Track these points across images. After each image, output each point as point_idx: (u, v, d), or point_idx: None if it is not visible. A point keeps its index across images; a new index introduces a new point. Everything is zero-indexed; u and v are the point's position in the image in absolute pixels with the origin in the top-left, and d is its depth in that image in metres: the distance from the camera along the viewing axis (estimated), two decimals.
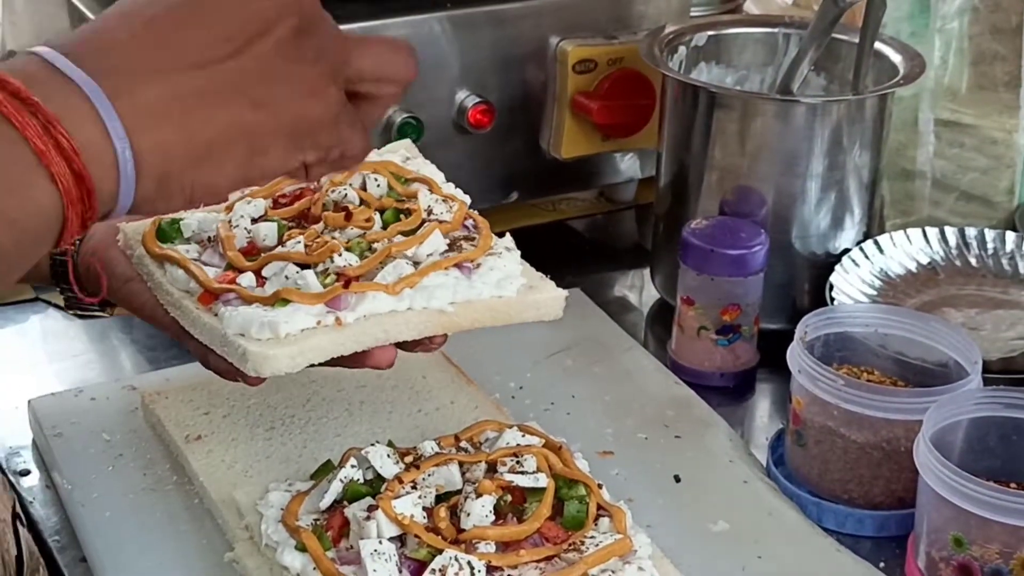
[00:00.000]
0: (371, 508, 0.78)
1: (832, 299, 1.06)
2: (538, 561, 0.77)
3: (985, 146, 1.21)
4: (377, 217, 0.86)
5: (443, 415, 0.96)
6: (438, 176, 0.93)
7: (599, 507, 0.81)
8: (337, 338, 0.78)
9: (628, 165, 1.25)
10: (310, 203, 0.87)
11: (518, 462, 0.82)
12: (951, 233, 1.14)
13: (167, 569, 0.84)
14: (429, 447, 0.84)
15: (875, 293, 1.09)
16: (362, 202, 0.87)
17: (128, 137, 0.59)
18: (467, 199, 0.91)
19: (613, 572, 0.77)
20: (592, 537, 0.79)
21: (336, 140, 0.65)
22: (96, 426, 0.96)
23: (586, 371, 1.05)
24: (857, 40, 1.09)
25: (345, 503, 0.80)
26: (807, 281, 1.10)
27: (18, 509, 0.88)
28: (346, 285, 0.78)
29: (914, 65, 1.10)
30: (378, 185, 0.88)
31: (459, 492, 0.81)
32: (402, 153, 0.96)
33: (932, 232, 1.14)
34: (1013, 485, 0.85)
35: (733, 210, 1.08)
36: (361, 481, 0.81)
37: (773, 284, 1.06)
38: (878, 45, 1.11)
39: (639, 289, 1.22)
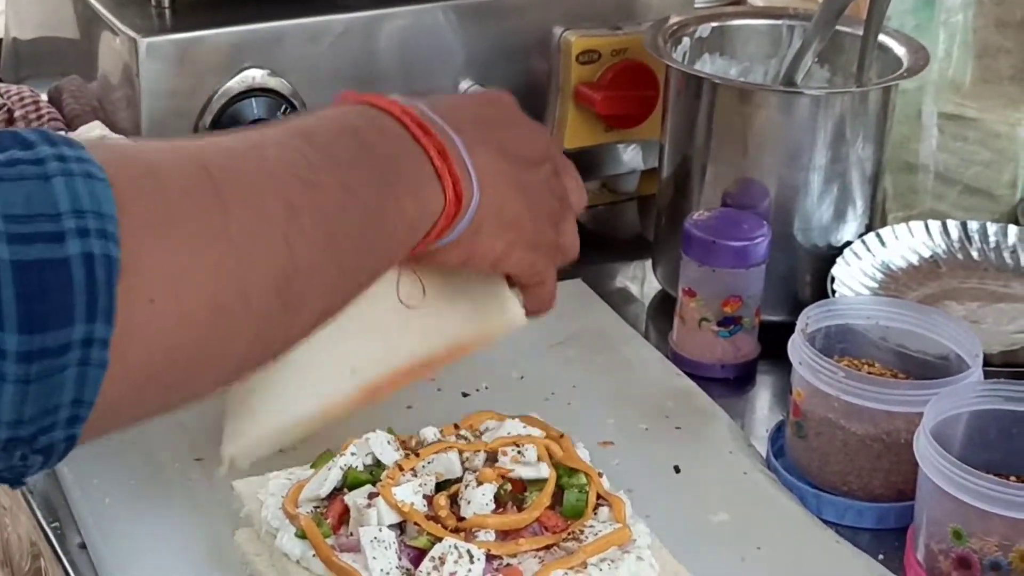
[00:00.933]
0: (371, 495, 0.78)
1: (834, 291, 1.06)
2: (537, 550, 0.77)
3: (988, 140, 1.20)
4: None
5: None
6: None
7: (599, 496, 0.81)
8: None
9: (631, 156, 1.25)
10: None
11: (519, 451, 0.82)
12: (953, 226, 1.14)
13: (167, 555, 0.84)
14: (430, 434, 0.84)
15: (877, 286, 1.09)
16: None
17: (477, 186, 0.75)
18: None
19: (612, 561, 0.77)
20: (591, 526, 0.79)
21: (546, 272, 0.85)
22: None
23: (587, 362, 1.05)
24: (861, 32, 1.09)
25: (345, 490, 0.80)
26: (809, 273, 1.10)
27: (19, 495, 0.88)
28: None
29: (918, 58, 1.10)
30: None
31: (459, 480, 0.81)
32: None
33: (934, 225, 1.14)
34: (1013, 478, 0.85)
35: (735, 202, 1.08)
36: (361, 468, 0.81)
37: (775, 276, 1.06)
38: (882, 37, 1.11)
39: (641, 280, 1.22)
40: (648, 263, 1.20)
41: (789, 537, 0.88)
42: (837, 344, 0.95)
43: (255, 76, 1.05)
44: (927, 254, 1.13)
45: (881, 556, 0.87)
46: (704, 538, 0.87)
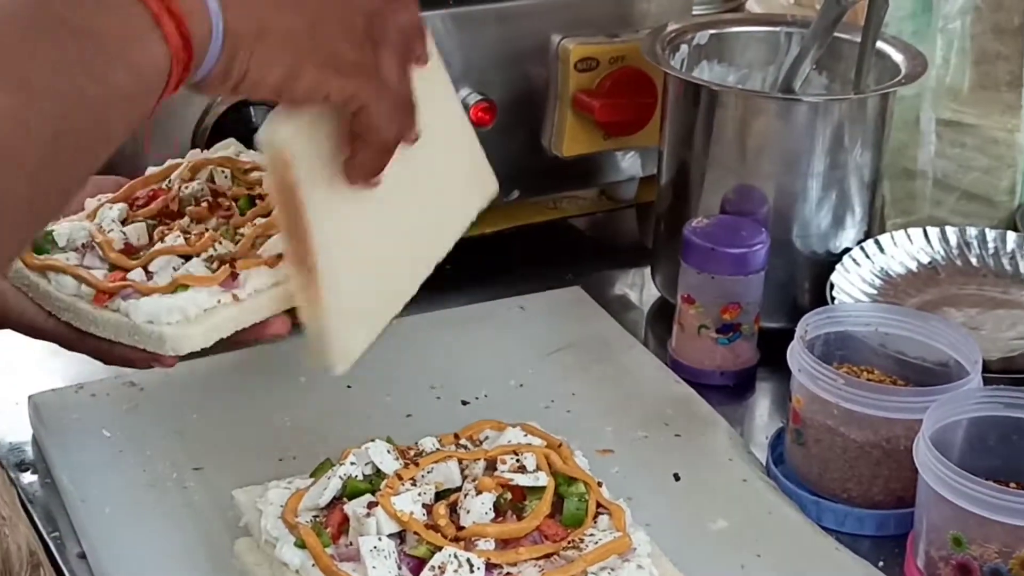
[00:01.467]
0: (371, 505, 0.78)
1: (833, 298, 1.06)
2: (537, 559, 0.77)
3: (987, 146, 1.21)
4: (233, 205, 0.91)
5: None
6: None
7: (598, 505, 0.81)
8: (237, 313, 0.84)
9: (629, 163, 1.25)
10: (167, 202, 0.91)
11: (518, 460, 0.82)
12: (952, 233, 1.14)
13: (166, 564, 0.84)
14: (429, 444, 0.84)
15: (875, 292, 1.09)
16: (215, 195, 0.92)
17: (221, 11, 0.67)
18: None
19: (612, 570, 0.77)
20: (591, 535, 0.79)
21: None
22: (96, 422, 0.96)
23: (586, 369, 1.05)
24: (859, 39, 1.09)
25: (345, 500, 0.80)
26: (808, 280, 1.10)
27: (18, 505, 0.88)
28: (232, 267, 0.85)
29: (916, 64, 1.10)
30: (225, 177, 0.93)
31: (458, 489, 0.81)
32: (233, 149, 0.98)
33: (933, 232, 1.14)
34: (1013, 485, 0.85)
35: (734, 209, 1.08)
36: (360, 478, 0.81)
37: (774, 283, 1.06)
38: (880, 44, 1.11)
39: (640, 287, 1.22)
40: (647, 270, 1.20)
41: (789, 544, 0.88)
42: (836, 351, 0.95)
43: None
44: (926, 260, 1.13)
45: (881, 563, 0.87)
46: (704, 546, 0.87)
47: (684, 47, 1.16)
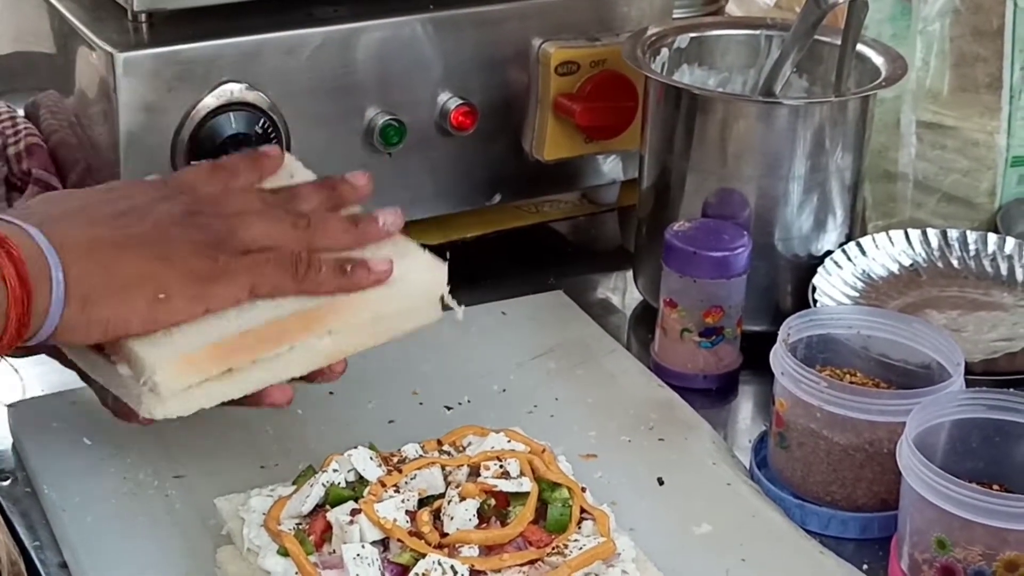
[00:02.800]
0: (354, 512, 0.78)
1: (815, 301, 1.06)
2: (521, 565, 0.77)
3: (967, 148, 1.21)
4: None
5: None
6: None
7: (582, 510, 0.81)
8: (227, 387, 0.83)
9: (611, 167, 1.25)
10: None
11: (501, 466, 0.82)
12: (933, 235, 1.14)
13: (148, 573, 0.84)
14: (412, 450, 0.84)
15: (858, 295, 1.09)
16: None
17: (60, 262, 0.76)
18: None
19: (597, 575, 0.77)
20: (575, 540, 0.79)
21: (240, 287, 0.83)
22: (77, 430, 0.95)
23: (569, 373, 1.05)
24: (839, 42, 1.09)
25: (327, 507, 0.79)
26: (790, 283, 1.10)
27: None
28: None
29: (896, 67, 1.10)
30: None
31: (442, 496, 0.80)
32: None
33: (914, 234, 1.14)
34: (996, 487, 0.85)
35: (716, 212, 1.08)
36: (343, 485, 0.81)
37: (756, 286, 1.06)
38: (860, 47, 1.11)
39: (622, 291, 1.22)
40: (629, 274, 1.20)
41: (773, 548, 0.88)
42: (819, 354, 0.95)
43: (233, 90, 1.05)
44: (907, 263, 1.13)
45: (865, 566, 0.87)
46: (688, 550, 0.87)
47: (665, 51, 1.16)
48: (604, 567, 0.78)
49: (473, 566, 0.76)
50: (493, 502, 0.80)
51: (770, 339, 0.93)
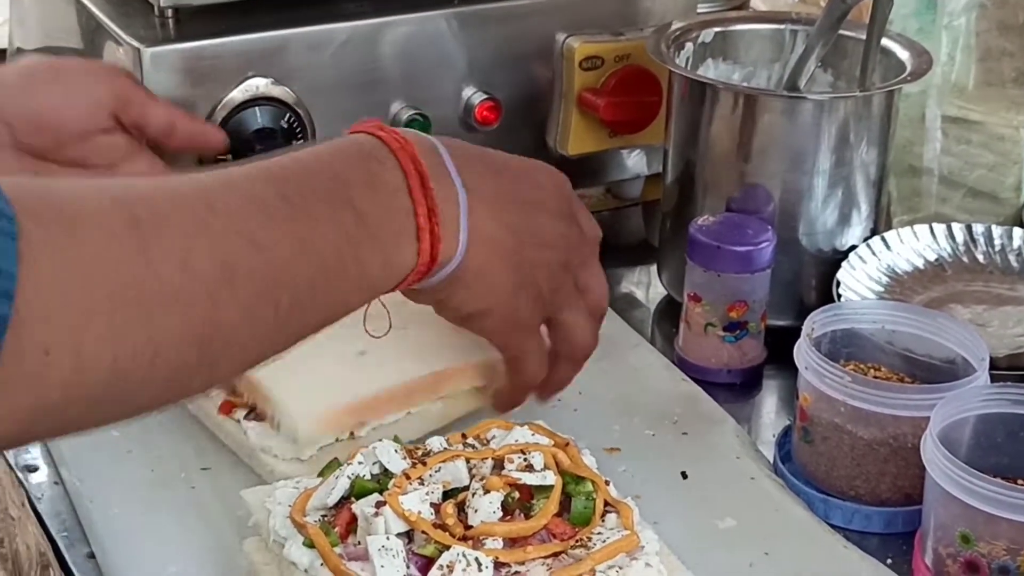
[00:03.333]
0: (378, 504, 0.78)
1: (839, 296, 1.06)
2: (545, 557, 0.77)
3: (992, 142, 1.20)
4: None
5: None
6: None
7: (606, 503, 0.81)
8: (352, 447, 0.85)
9: (635, 161, 1.25)
10: None
11: (525, 459, 0.82)
12: (958, 229, 1.14)
13: (176, 564, 0.84)
14: (436, 443, 0.84)
15: (882, 290, 1.09)
16: None
17: (466, 248, 0.76)
18: None
19: (620, 568, 0.77)
20: (599, 533, 0.79)
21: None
22: None
23: (593, 368, 1.04)
24: (864, 36, 1.09)
25: (352, 499, 0.80)
26: (814, 278, 1.10)
27: (27, 505, 0.88)
28: None
29: (921, 61, 1.10)
30: None
31: (466, 488, 0.81)
32: None
33: (939, 228, 1.14)
34: (1020, 482, 0.85)
35: (740, 207, 1.08)
36: (368, 477, 0.81)
37: (780, 281, 1.06)
38: (885, 41, 1.11)
39: (646, 286, 1.22)
40: (653, 268, 1.20)
41: (797, 542, 0.88)
42: (843, 348, 0.95)
43: (259, 85, 1.05)
44: (932, 257, 1.13)
45: (889, 560, 0.87)
46: (712, 544, 0.87)
47: (689, 45, 1.16)
48: (628, 560, 0.78)
49: (497, 558, 0.76)
50: (517, 495, 0.80)
51: (794, 334, 0.93)
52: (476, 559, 0.75)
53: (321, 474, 0.84)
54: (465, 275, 0.77)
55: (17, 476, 0.92)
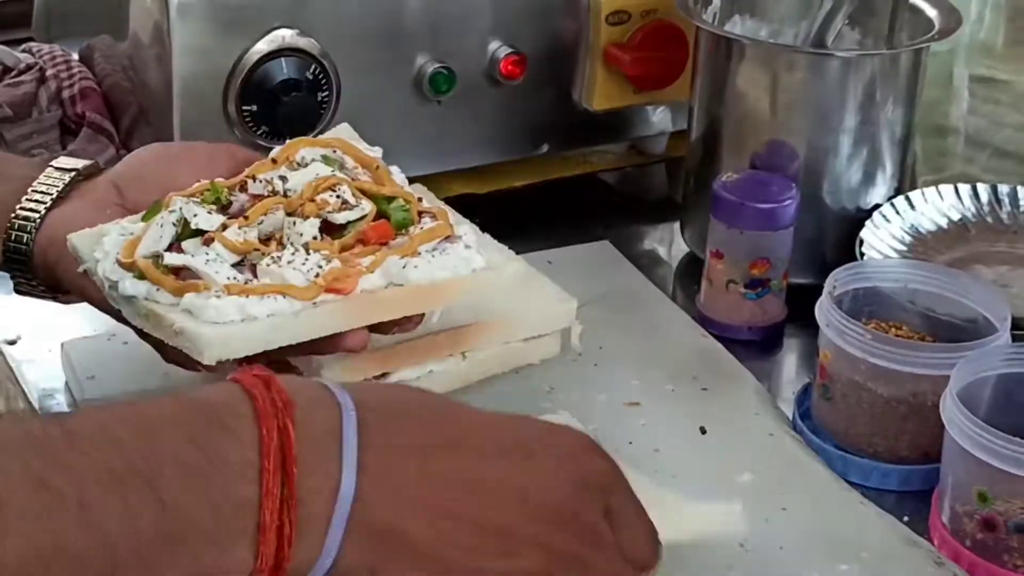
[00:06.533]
0: (206, 241, 0.80)
1: (862, 254, 1.05)
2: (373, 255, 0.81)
3: (1020, 103, 1.20)
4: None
5: None
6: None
7: (423, 213, 0.85)
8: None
9: (660, 118, 1.25)
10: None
11: (339, 196, 0.83)
12: (983, 190, 1.14)
13: None
14: (258, 187, 0.85)
15: (905, 249, 1.09)
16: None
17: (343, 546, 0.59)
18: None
19: (443, 251, 0.82)
20: (420, 228, 0.84)
21: None
22: (128, 370, 0.96)
23: (614, 323, 1.05)
24: None
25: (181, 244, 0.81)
26: (837, 236, 1.10)
27: None
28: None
29: (950, 20, 1.09)
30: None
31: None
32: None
33: (964, 189, 1.14)
34: None
35: (764, 164, 1.08)
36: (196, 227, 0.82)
37: (803, 239, 1.06)
38: None
39: (668, 242, 1.23)
40: (676, 225, 1.20)
41: (814, 498, 0.88)
42: (865, 307, 0.95)
43: (284, 36, 1.05)
44: (956, 217, 1.13)
45: (906, 518, 0.87)
46: (729, 498, 0.87)
47: (716, 1, 1.15)
48: (448, 244, 0.82)
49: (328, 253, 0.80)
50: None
51: (816, 292, 0.93)
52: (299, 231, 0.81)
53: (144, 219, 0.83)
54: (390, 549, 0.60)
55: None
